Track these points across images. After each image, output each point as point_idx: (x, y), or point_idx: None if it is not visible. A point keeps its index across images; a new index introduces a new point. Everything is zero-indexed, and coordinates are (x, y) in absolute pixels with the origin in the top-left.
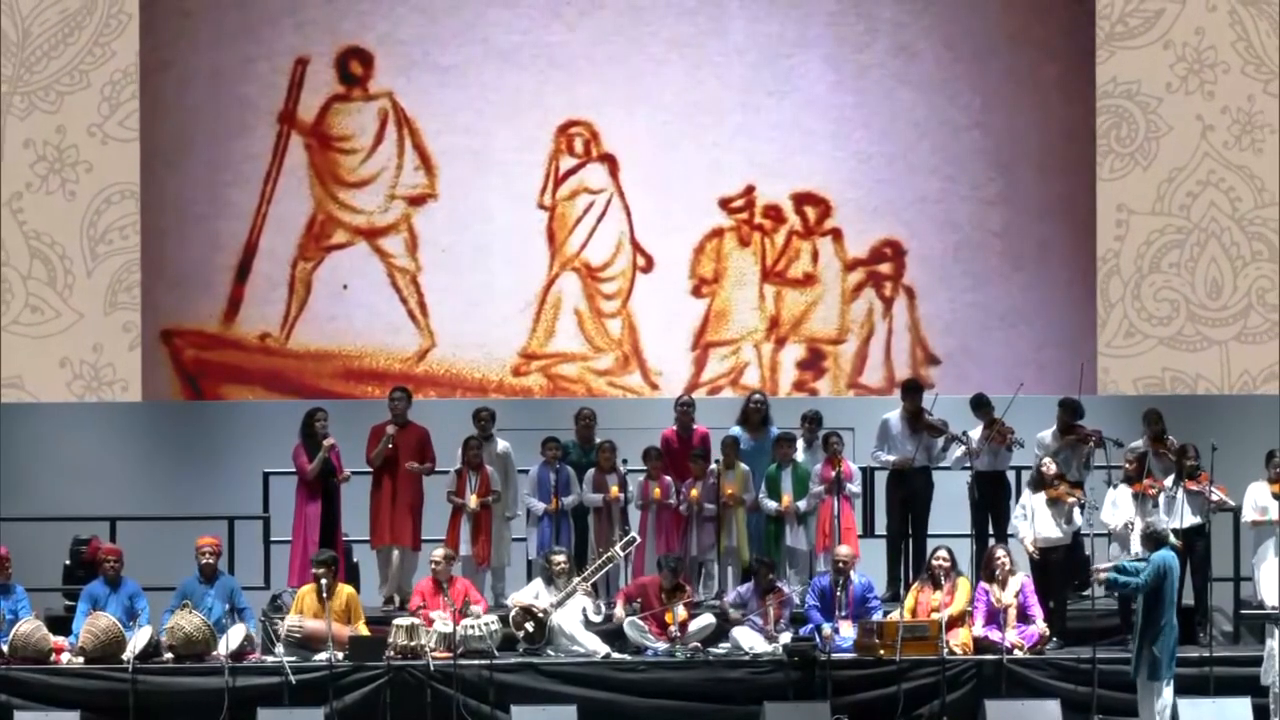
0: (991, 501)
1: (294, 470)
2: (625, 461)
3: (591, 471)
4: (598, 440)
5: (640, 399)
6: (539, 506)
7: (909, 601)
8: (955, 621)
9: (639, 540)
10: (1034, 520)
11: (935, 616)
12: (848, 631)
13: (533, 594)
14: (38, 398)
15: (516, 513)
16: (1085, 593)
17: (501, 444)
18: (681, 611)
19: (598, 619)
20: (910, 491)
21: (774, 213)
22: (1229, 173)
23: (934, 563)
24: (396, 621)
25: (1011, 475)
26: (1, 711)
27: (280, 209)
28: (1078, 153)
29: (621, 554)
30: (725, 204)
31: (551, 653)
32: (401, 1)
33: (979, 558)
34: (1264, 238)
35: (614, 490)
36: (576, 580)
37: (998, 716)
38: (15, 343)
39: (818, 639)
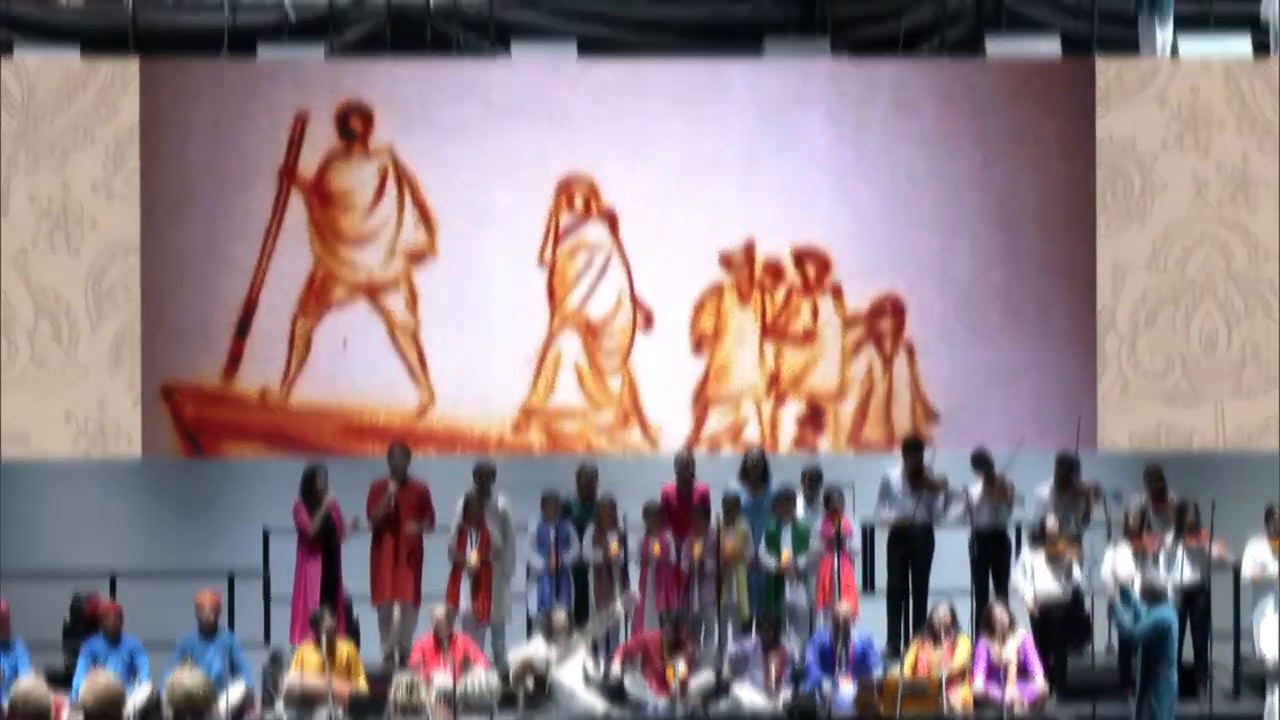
0: (992, 558)
1: (294, 528)
2: (624, 518)
3: (591, 528)
4: (598, 497)
5: (640, 455)
6: (539, 562)
7: (909, 658)
8: (956, 678)
9: (638, 598)
10: (1033, 577)
11: (936, 673)
12: (848, 688)
13: (533, 651)
14: (43, 452)
15: (515, 570)
16: (1085, 647)
17: (501, 501)
18: (682, 668)
19: (598, 676)
20: (911, 549)
21: (774, 269)
22: (1224, 230)
23: (935, 619)
24: (397, 678)
25: (1012, 532)
26: None
27: (280, 265)
28: (1078, 209)
29: (621, 612)
30: (725, 260)
31: (552, 710)
32: (402, 58)
33: (979, 614)
34: (1259, 294)
35: (614, 547)
36: (576, 637)
37: None
38: (20, 398)
39: (818, 696)
